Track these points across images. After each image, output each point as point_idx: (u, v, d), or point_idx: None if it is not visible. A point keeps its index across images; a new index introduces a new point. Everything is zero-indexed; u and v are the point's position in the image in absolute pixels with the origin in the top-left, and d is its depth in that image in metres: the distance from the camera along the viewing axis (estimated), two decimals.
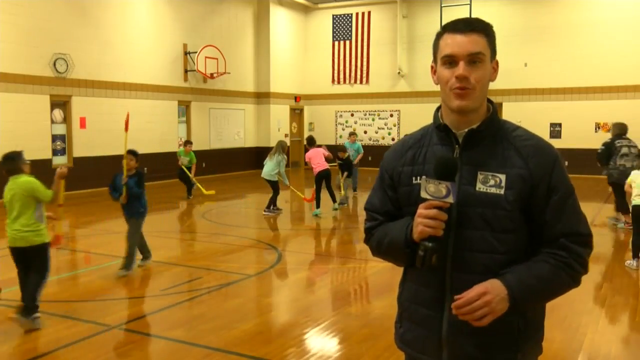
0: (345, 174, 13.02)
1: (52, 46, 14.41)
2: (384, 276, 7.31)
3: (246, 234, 10.22)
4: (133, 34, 16.70)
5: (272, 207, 11.96)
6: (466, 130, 1.87)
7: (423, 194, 1.78)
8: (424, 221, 1.76)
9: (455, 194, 1.75)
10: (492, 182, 1.81)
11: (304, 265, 7.96)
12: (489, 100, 1.94)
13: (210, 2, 19.52)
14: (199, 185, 14.82)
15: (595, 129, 18.99)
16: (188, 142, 14.95)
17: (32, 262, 5.35)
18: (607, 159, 10.47)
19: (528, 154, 1.82)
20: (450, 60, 1.83)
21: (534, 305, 1.87)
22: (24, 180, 5.32)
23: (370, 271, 7.69)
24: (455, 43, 1.82)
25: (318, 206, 11.59)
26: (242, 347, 4.79)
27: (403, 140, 2.07)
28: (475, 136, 1.86)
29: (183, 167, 14.36)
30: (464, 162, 1.85)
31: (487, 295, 1.72)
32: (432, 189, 1.76)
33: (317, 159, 11.57)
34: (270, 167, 11.88)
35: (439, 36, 1.90)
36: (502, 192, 1.80)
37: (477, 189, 1.82)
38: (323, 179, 11.61)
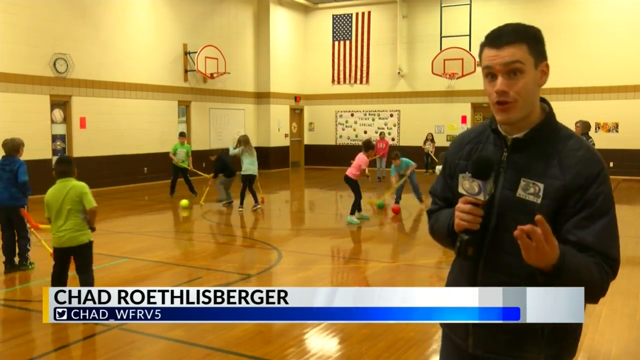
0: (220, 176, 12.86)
1: (52, 46, 14.41)
2: (384, 276, 7.31)
3: (246, 234, 10.22)
4: (133, 34, 16.70)
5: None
6: (514, 136, 1.91)
7: (460, 189, 1.88)
8: (460, 215, 1.85)
9: (485, 193, 1.82)
10: (532, 190, 1.85)
11: (304, 265, 7.96)
12: (547, 103, 1.96)
13: (210, 2, 19.52)
14: (200, 172, 14.98)
15: (596, 129, 18.99)
16: (182, 134, 14.86)
17: (77, 261, 5.49)
18: None
19: (569, 165, 1.83)
20: (490, 73, 1.86)
21: (571, 280, 1.75)
22: (79, 184, 5.52)
23: (371, 271, 7.69)
24: (492, 57, 1.85)
25: (352, 212, 10.89)
26: (242, 347, 4.79)
27: (464, 133, 2.15)
28: (522, 143, 1.90)
29: (179, 164, 14.12)
30: (509, 166, 1.90)
31: (551, 237, 1.67)
32: (467, 185, 1.86)
33: (354, 163, 10.97)
34: (254, 163, 12.14)
35: (481, 48, 1.92)
36: (539, 200, 1.83)
37: (517, 194, 1.86)
38: (346, 183, 11.05)
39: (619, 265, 1.85)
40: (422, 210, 12.07)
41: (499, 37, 1.84)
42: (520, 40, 1.82)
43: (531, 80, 1.84)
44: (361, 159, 10.96)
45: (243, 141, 12.24)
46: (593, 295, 1.79)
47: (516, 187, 1.87)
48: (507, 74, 1.82)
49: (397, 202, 12.19)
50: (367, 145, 11.25)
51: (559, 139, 1.89)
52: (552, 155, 1.86)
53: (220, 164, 12.83)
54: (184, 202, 12.73)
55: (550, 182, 1.82)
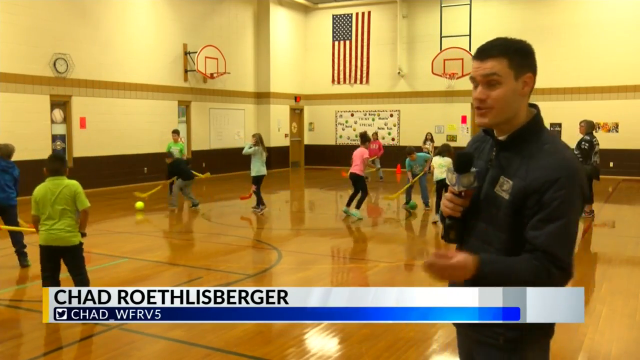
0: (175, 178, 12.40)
1: (52, 46, 14.41)
2: (384, 276, 7.31)
3: (246, 234, 10.23)
4: (133, 34, 16.70)
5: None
6: (499, 138, 2.13)
7: (447, 180, 2.15)
8: (444, 202, 2.14)
9: (459, 184, 2.07)
10: (505, 186, 2.05)
11: (304, 265, 7.96)
12: (536, 108, 2.12)
13: (210, 2, 19.52)
14: (194, 172, 14.81)
15: (595, 129, 18.99)
16: (175, 131, 14.50)
17: (69, 263, 5.43)
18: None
19: (534, 168, 1.98)
20: (473, 82, 2.10)
21: (495, 283, 1.95)
22: (72, 183, 5.44)
23: (371, 271, 7.70)
24: (475, 68, 2.08)
25: (356, 206, 11.10)
26: (242, 347, 4.79)
27: (477, 134, 2.36)
28: (505, 144, 2.10)
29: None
30: (496, 164, 2.11)
31: (448, 266, 1.95)
32: (449, 177, 2.12)
33: (355, 160, 11.05)
34: (264, 164, 11.91)
35: (473, 59, 2.14)
36: (507, 196, 2.03)
37: (494, 190, 2.07)
38: (351, 181, 11.13)
39: (570, 266, 1.96)
40: (426, 213, 12.06)
41: (483, 51, 2.06)
42: (502, 55, 2.02)
43: (509, 91, 2.02)
44: (362, 151, 11.08)
45: (260, 140, 11.90)
46: (535, 281, 1.94)
47: (495, 184, 2.07)
48: (486, 84, 2.03)
49: (407, 202, 12.12)
50: (364, 138, 11.41)
51: (537, 142, 2.04)
52: (525, 157, 2.02)
53: (176, 167, 12.44)
54: (139, 204, 12.21)
55: (516, 180, 2.00)
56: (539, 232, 1.93)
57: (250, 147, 11.78)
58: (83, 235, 5.52)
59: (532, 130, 2.06)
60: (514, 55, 2.02)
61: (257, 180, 11.86)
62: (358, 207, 11.03)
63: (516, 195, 1.98)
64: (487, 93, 2.03)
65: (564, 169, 1.95)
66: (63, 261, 5.43)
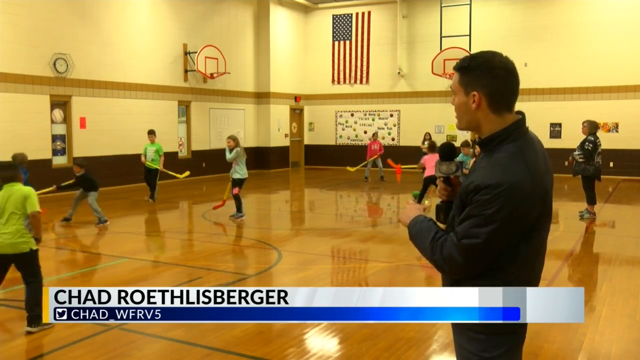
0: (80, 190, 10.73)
1: (52, 46, 14.41)
2: (384, 276, 7.31)
3: (246, 234, 10.22)
4: (133, 34, 16.70)
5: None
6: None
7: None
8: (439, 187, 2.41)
9: (437, 170, 2.35)
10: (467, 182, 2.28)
11: (304, 265, 7.96)
12: (521, 114, 2.24)
13: (210, 2, 19.52)
14: (172, 173, 14.49)
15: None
16: (151, 132, 13.91)
17: (20, 270, 5.34)
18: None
19: (476, 173, 2.14)
20: None
21: (411, 239, 2.31)
22: (24, 188, 5.34)
23: (370, 271, 7.70)
24: None
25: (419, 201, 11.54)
26: (242, 347, 4.80)
27: None
28: (481, 148, 2.26)
29: (147, 164, 13.67)
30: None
31: (411, 209, 2.38)
32: (435, 165, 2.39)
33: (431, 164, 11.32)
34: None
35: None
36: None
37: (465, 183, 2.26)
38: (430, 183, 11.41)
39: (463, 251, 2.08)
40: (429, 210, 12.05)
41: (456, 63, 2.27)
42: (456, 70, 2.24)
43: (462, 103, 2.21)
44: (435, 157, 11.36)
45: (238, 141, 11.24)
46: (424, 255, 2.23)
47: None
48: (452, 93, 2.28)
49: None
50: (434, 148, 11.83)
51: (496, 152, 2.15)
52: (481, 162, 2.19)
53: (87, 177, 10.58)
54: None
55: (466, 180, 2.19)
56: (460, 224, 2.12)
57: (232, 151, 11.04)
58: (37, 240, 5.36)
59: (496, 140, 2.16)
60: (461, 72, 2.20)
61: (241, 183, 11.19)
62: None
63: (461, 192, 2.18)
64: (453, 101, 2.26)
65: (490, 177, 2.06)
66: (15, 267, 5.33)
